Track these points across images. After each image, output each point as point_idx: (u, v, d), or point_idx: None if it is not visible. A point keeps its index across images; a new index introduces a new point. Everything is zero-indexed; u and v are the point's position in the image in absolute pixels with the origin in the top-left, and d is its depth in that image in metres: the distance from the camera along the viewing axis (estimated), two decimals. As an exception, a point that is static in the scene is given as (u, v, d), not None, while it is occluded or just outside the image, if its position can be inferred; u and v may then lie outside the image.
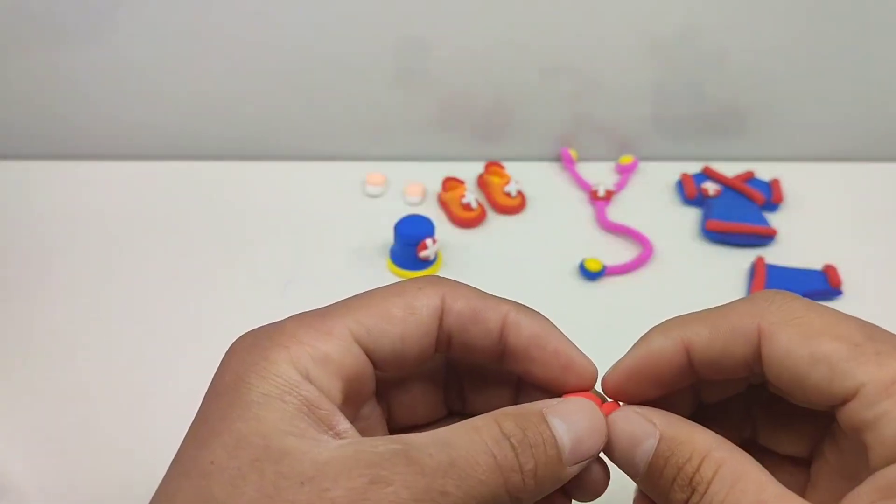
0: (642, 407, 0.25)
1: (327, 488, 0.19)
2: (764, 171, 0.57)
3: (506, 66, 0.55)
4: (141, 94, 0.56)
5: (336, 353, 0.23)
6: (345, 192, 0.56)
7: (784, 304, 0.23)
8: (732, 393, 0.26)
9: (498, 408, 0.26)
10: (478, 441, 0.21)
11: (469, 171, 0.57)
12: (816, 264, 0.50)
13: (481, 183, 0.56)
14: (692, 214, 0.55)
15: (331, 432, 0.22)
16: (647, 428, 0.23)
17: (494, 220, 0.54)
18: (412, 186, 0.55)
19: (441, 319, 0.25)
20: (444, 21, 0.52)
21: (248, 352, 0.23)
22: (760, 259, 0.50)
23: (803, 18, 0.53)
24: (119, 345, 0.44)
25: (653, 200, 0.56)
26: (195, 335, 0.45)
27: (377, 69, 0.54)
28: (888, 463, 0.20)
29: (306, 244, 0.51)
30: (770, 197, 0.55)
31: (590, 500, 0.25)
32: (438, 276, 0.26)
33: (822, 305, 0.23)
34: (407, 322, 0.24)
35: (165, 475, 0.22)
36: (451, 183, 0.55)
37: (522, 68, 0.55)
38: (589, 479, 0.25)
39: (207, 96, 0.56)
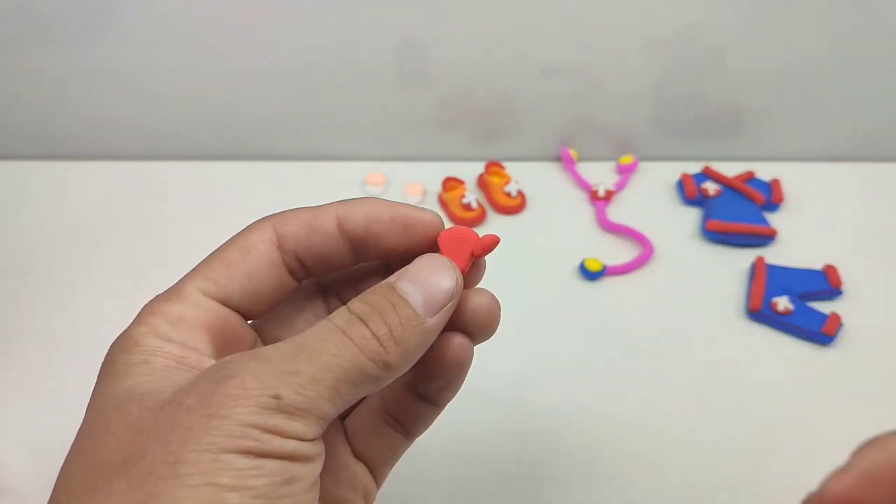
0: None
1: (182, 401, 0.20)
2: (764, 171, 0.57)
3: (506, 66, 0.55)
4: (140, 94, 0.56)
5: (190, 311, 0.24)
6: (345, 192, 0.55)
7: None
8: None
9: None
10: (326, 325, 0.22)
11: (469, 171, 0.57)
12: (816, 264, 0.50)
13: (481, 183, 0.56)
14: (692, 214, 0.55)
15: None
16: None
17: (494, 220, 0.54)
18: (412, 186, 0.55)
19: (280, 246, 0.26)
20: (445, 21, 0.52)
21: (116, 340, 0.24)
22: (760, 259, 0.50)
23: (803, 18, 0.53)
24: (119, 345, 0.44)
25: (653, 200, 0.56)
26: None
27: (378, 69, 0.54)
28: None
29: (306, 244, 0.51)
30: (770, 197, 0.55)
31: (487, 334, 0.26)
32: (269, 214, 0.27)
33: None
34: (247, 261, 0.25)
35: None
36: (451, 183, 0.55)
37: (522, 68, 0.55)
38: (476, 306, 0.25)
39: (207, 97, 0.56)
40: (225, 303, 0.25)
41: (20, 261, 0.50)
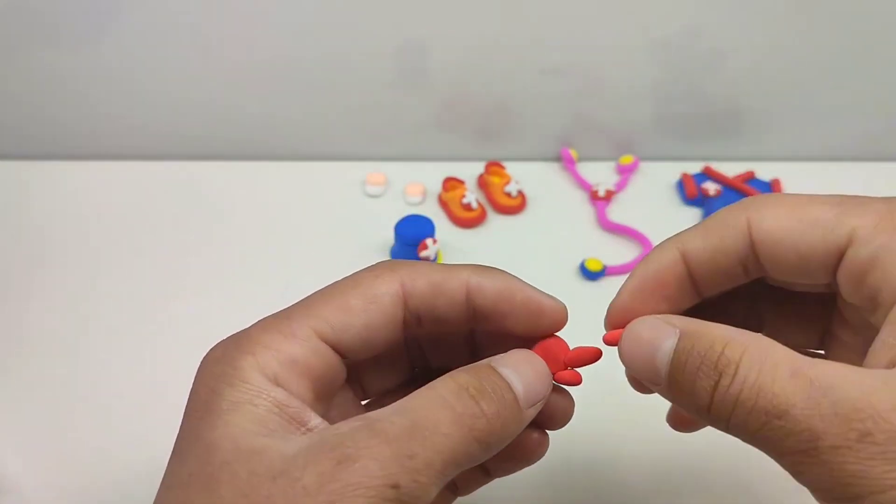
0: (663, 314, 0.25)
1: (298, 477, 0.20)
2: (764, 171, 0.57)
3: (506, 66, 0.55)
4: (140, 94, 0.56)
5: (302, 354, 0.23)
6: (345, 192, 0.56)
7: (766, 196, 0.24)
8: (731, 285, 0.26)
9: (455, 354, 0.28)
10: (435, 398, 0.22)
11: (469, 171, 0.57)
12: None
13: (481, 183, 0.56)
14: (693, 214, 0.55)
15: (302, 429, 0.22)
16: (667, 329, 0.23)
17: (495, 220, 0.54)
18: (412, 186, 0.55)
19: (405, 302, 0.25)
20: (445, 21, 0.52)
21: (217, 363, 0.23)
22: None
23: (803, 19, 0.53)
24: (119, 345, 0.44)
25: (653, 200, 0.56)
26: (195, 335, 0.45)
27: (378, 69, 0.54)
28: None
29: (306, 244, 0.51)
30: (770, 197, 0.55)
31: (561, 427, 0.27)
32: (395, 261, 0.26)
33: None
34: (368, 311, 0.24)
35: (157, 493, 0.22)
36: (451, 183, 0.55)
37: (522, 68, 0.55)
38: (556, 407, 0.26)
39: (207, 96, 0.56)
40: (335, 348, 0.24)
41: (20, 261, 0.49)
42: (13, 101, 0.56)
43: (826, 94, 0.57)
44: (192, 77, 0.55)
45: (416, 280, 0.25)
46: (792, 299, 0.26)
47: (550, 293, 0.27)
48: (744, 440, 0.21)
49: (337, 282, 0.25)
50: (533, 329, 0.26)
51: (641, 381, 0.24)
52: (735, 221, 0.24)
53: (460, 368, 0.23)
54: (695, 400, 0.22)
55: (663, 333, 0.23)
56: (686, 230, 0.26)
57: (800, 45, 0.54)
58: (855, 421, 0.19)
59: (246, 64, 0.54)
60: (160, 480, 0.22)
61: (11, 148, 0.57)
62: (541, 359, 0.25)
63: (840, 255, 0.22)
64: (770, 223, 0.23)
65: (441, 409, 0.22)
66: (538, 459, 0.27)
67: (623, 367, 0.26)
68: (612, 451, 0.40)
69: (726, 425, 0.21)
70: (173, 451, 0.23)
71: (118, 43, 0.53)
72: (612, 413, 0.41)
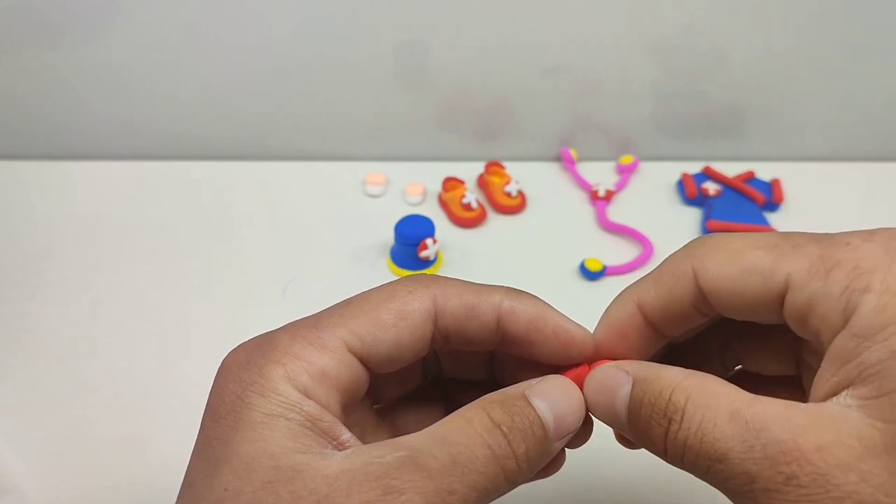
0: (620, 361, 0.25)
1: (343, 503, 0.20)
2: (764, 171, 0.57)
3: (506, 66, 0.55)
4: (140, 94, 0.56)
5: (332, 367, 0.23)
6: (345, 192, 0.56)
7: (710, 239, 0.25)
8: (692, 326, 0.26)
9: (471, 366, 0.28)
10: (473, 434, 0.22)
11: (469, 171, 0.57)
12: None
13: (481, 183, 0.56)
14: (693, 214, 0.55)
15: (334, 443, 0.22)
16: (622, 377, 0.24)
17: (495, 220, 0.54)
18: (412, 186, 0.55)
19: (435, 321, 0.25)
20: (445, 21, 0.52)
21: (243, 370, 0.23)
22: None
23: (803, 19, 0.53)
24: (119, 344, 0.44)
25: (653, 200, 0.56)
26: (195, 335, 0.45)
27: (378, 69, 0.54)
28: (835, 335, 0.21)
29: (306, 244, 0.51)
30: (770, 197, 0.55)
31: (578, 447, 0.27)
32: (428, 276, 0.26)
33: (750, 233, 0.24)
34: (399, 328, 0.24)
35: (178, 501, 0.22)
36: (451, 183, 0.55)
37: (522, 68, 0.55)
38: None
39: (208, 97, 0.56)
40: (364, 362, 0.24)
41: (20, 261, 0.49)
42: (13, 101, 0.56)
43: (826, 94, 0.57)
44: (193, 77, 0.55)
45: (450, 299, 0.25)
46: (762, 332, 0.27)
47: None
48: (702, 480, 0.22)
49: (368, 292, 0.25)
50: (559, 359, 0.26)
51: (609, 426, 0.25)
52: (682, 271, 0.24)
53: (493, 396, 0.23)
54: (652, 444, 0.23)
55: (619, 381, 0.24)
56: (639, 281, 0.26)
57: (800, 45, 0.54)
58: (782, 464, 0.19)
59: (246, 64, 0.54)
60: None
61: (11, 148, 0.58)
62: (577, 390, 0.25)
63: (781, 299, 0.23)
64: (713, 272, 0.24)
65: (478, 446, 0.22)
66: (553, 474, 0.27)
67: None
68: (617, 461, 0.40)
69: (682, 467, 0.22)
70: (197, 456, 0.22)
71: (118, 43, 0.53)
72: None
